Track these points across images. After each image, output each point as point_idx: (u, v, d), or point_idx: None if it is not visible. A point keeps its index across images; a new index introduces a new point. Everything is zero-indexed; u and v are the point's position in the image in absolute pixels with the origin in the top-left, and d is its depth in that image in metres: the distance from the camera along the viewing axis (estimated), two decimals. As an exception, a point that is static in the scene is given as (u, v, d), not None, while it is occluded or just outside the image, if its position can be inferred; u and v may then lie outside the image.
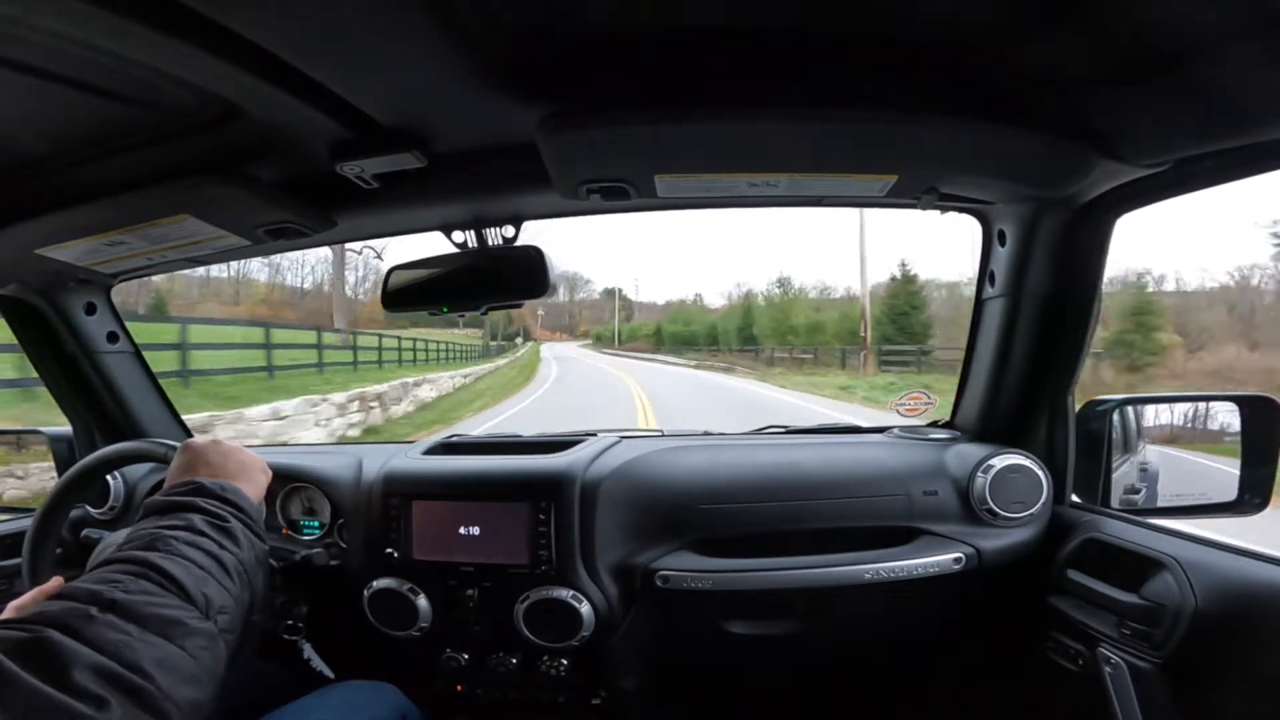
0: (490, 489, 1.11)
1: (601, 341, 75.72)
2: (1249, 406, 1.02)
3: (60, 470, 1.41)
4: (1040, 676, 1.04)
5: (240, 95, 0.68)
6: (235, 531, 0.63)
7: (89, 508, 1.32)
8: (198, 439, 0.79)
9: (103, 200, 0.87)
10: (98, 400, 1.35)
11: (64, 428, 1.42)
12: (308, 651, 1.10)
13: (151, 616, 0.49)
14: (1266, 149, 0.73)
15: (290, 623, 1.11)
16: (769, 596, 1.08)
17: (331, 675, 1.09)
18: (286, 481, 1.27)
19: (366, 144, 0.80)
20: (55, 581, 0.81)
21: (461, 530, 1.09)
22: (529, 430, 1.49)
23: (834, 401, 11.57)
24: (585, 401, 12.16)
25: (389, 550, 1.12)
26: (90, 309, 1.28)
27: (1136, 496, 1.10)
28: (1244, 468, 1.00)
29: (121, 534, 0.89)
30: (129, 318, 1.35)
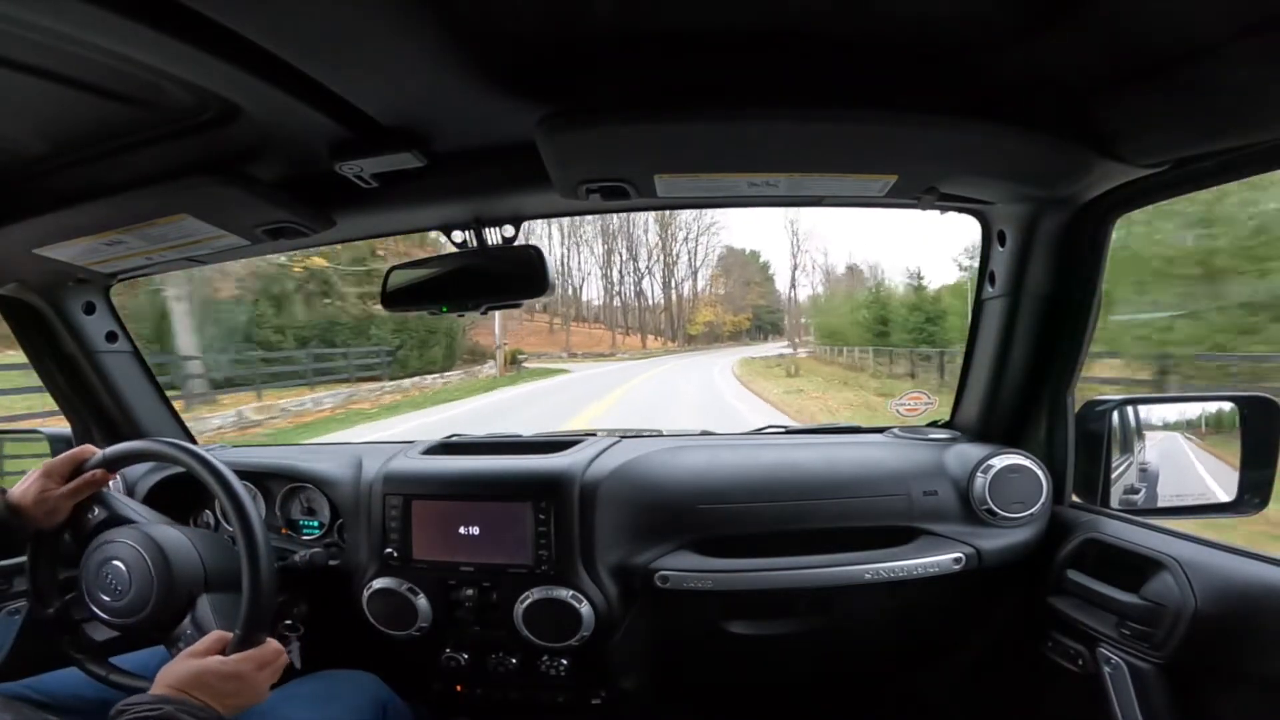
0: (490, 489, 1.11)
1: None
2: (1249, 407, 1.02)
3: None
4: (1040, 676, 1.04)
5: (240, 95, 0.68)
6: None
7: None
8: (252, 678, 0.76)
9: (101, 200, 0.87)
10: (96, 400, 1.35)
11: (63, 427, 1.42)
12: (292, 644, 1.11)
13: None
14: (1266, 149, 0.74)
15: (289, 622, 1.11)
16: (769, 596, 1.08)
17: (299, 666, 1.10)
18: (286, 481, 1.27)
19: (366, 144, 0.80)
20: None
21: (461, 530, 1.09)
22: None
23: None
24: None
25: (388, 550, 1.11)
26: (89, 308, 1.28)
27: (1136, 496, 1.10)
28: (1244, 468, 1.00)
29: (116, 537, 0.89)
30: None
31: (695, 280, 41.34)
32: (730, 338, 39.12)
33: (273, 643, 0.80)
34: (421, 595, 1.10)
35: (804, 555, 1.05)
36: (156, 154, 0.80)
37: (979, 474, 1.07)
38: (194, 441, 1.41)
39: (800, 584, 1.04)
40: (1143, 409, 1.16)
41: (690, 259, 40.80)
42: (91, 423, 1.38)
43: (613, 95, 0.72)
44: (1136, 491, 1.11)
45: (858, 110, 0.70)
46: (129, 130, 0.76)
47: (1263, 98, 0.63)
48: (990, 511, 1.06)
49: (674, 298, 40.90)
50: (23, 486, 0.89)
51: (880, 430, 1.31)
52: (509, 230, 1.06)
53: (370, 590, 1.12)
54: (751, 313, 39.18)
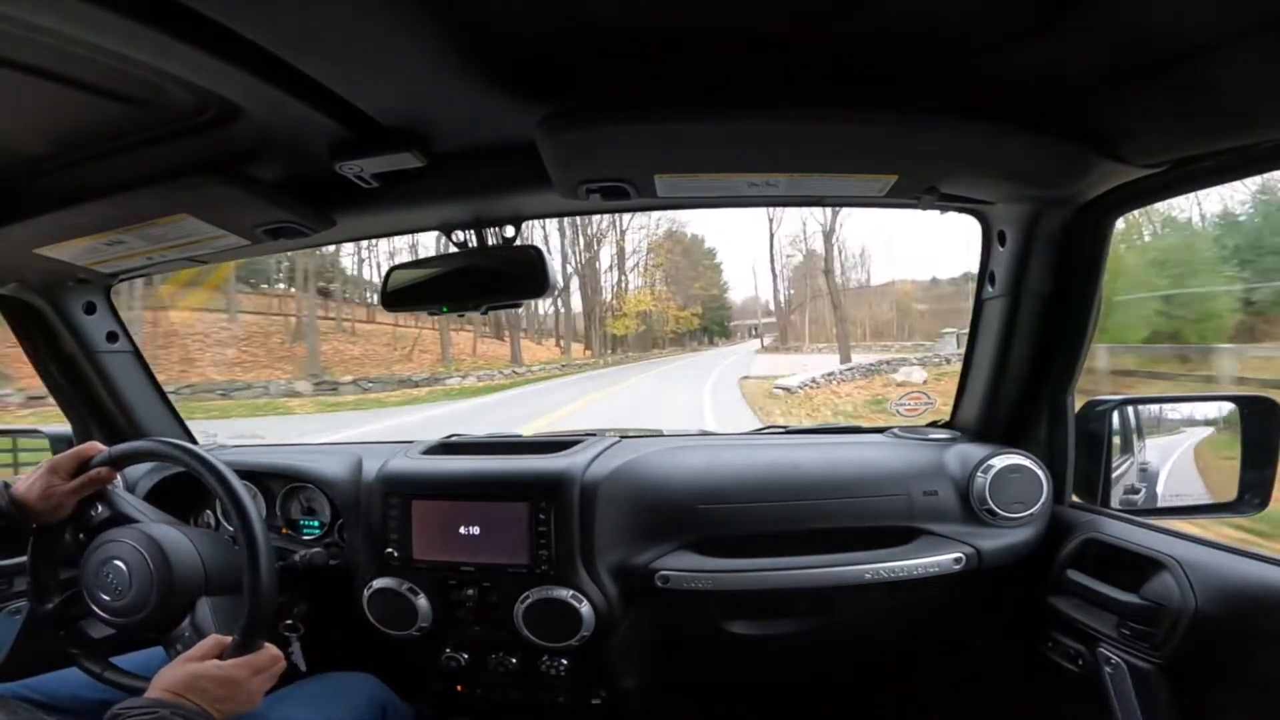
0: (490, 489, 1.11)
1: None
2: (1249, 407, 1.02)
3: None
4: (1040, 676, 1.04)
5: (240, 95, 0.68)
6: None
7: None
8: (245, 681, 0.76)
9: (102, 200, 0.87)
10: (97, 400, 1.35)
11: (64, 427, 1.42)
12: (293, 645, 1.11)
13: None
14: (1266, 149, 0.74)
15: (289, 622, 1.11)
16: (769, 596, 1.08)
17: (304, 669, 1.10)
18: (286, 481, 1.27)
19: (366, 144, 0.80)
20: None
21: (461, 530, 1.09)
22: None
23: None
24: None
25: (389, 550, 1.11)
26: (90, 308, 1.28)
27: (1136, 496, 1.10)
28: (1244, 468, 1.00)
29: (118, 536, 0.89)
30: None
31: (622, 240, 23.24)
32: (673, 341, 26.23)
33: (270, 648, 0.81)
34: (421, 595, 1.10)
35: (804, 555, 1.05)
36: (156, 154, 0.80)
37: (979, 474, 1.07)
38: (195, 442, 1.41)
39: (800, 584, 1.04)
40: (1143, 408, 1.17)
41: (615, 220, 21.97)
42: (92, 423, 1.38)
43: (613, 95, 0.72)
44: (1136, 491, 1.11)
45: (858, 110, 0.70)
46: (129, 130, 0.76)
47: (1263, 98, 0.63)
48: (990, 511, 1.06)
49: (583, 271, 22.41)
50: (28, 481, 0.89)
51: (880, 430, 1.31)
52: (509, 230, 1.06)
53: (370, 590, 1.12)
54: (701, 307, 26.86)
